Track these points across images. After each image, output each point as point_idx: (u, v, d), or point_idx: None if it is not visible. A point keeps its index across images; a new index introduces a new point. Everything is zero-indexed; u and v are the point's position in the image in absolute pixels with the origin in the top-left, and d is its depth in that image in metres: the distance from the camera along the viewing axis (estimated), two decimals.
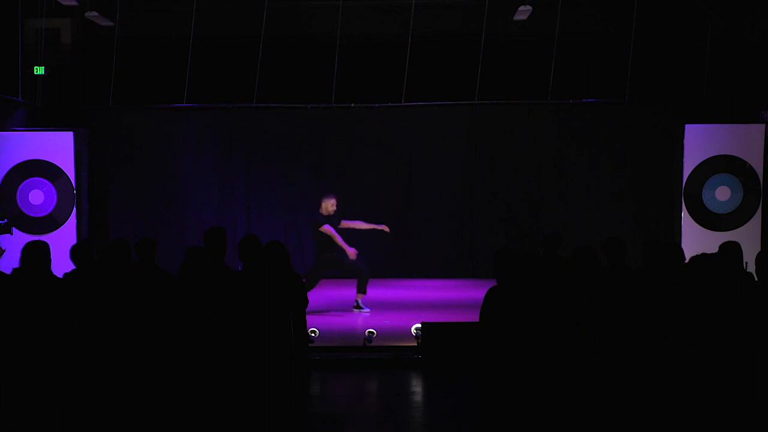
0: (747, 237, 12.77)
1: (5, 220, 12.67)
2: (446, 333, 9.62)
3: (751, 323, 5.81)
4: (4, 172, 13.35)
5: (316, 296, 11.95)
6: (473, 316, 6.61)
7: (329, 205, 12.05)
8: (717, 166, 13.21)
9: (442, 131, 15.44)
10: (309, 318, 7.31)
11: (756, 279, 6.34)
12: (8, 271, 6.62)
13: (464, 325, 9.55)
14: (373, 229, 12.30)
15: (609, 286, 6.34)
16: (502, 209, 15.50)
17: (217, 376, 6.32)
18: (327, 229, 11.85)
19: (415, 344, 9.85)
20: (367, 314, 12.05)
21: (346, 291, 13.28)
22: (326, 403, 8.61)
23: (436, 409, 8.35)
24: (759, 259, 6.18)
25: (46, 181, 13.37)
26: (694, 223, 13.22)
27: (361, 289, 12.18)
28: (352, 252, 11.84)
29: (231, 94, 15.23)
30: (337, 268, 12.05)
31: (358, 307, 12.19)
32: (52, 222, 13.35)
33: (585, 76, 15.24)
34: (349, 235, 12.23)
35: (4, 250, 12.62)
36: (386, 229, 12.25)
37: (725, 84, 14.77)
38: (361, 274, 12.14)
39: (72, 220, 13.39)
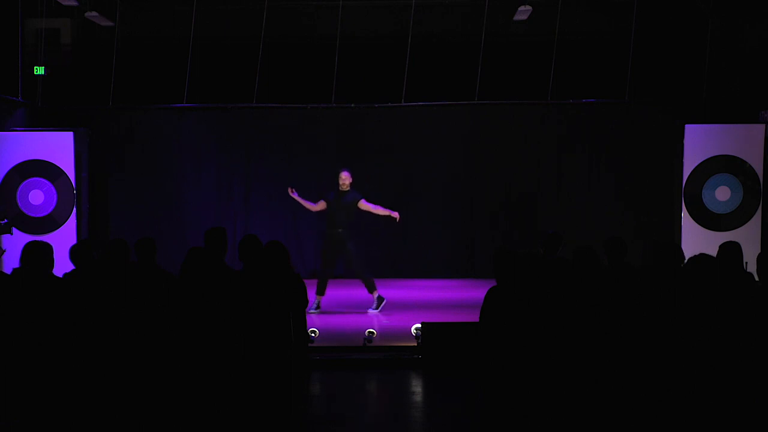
0: (747, 237, 12.78)
1: (5, 220, 12.67)
2: (446, 333, 9.62)
3: (752, 323, 5.81)
4: (4, 172, 13.35)
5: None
6: (473, 316, 6.61)
7: (339, 179, 12.06)
8: (717, 166, 13.22)
9: (442, 131, 15.44)
10: (309, 318, 7.32)
11: (757, 279, 6.34)
12: (8, 271, 6.62)
13: (464, 325, 9.54)
14: (388, 216, 12.25)
15: (609, 286, 6.34)
16: (502, 209, 15.50)
17: (217, 376, 6.31)
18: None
19: (415, 344, 9.85)
20: (367, 314, 12.05)
21: (347, 291, 13.30)
22: (326, 403, 8.61)
23: (436, 409, 8.34)
24: (761, 260, 6.19)
25: (46, 181, 13.37)
26: (694, 223, 13.22)
27: (372, 288, 12.14)
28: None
29: (231, 94, 15.24)
30: (341, 253, 12.05)
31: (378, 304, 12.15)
32: (52, 222, 13.35)
33: (585, 76, 15.24)
34: (354, 230, 12.33)
35: (5, 250, 12.62)
36: (397, 215, 12.20)
37: (725, 84, 14.78)
38: (362, 275, 12.14)
39: (72, 220, 13.39)
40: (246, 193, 15.52)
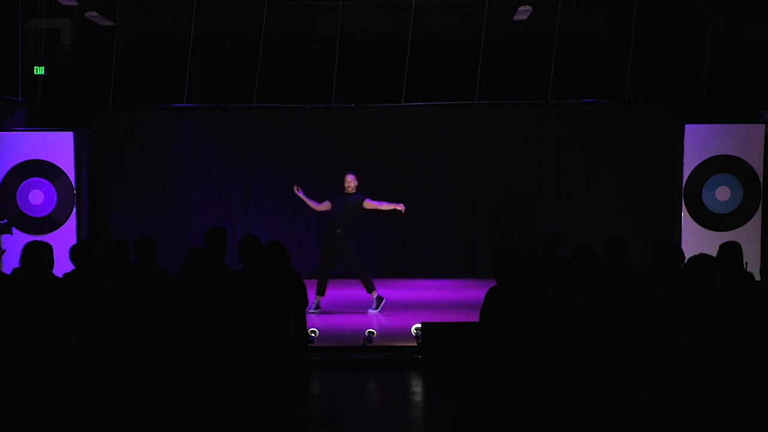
0: (747, 237, 12.78)
1: (5, 220, 12.67)
2: (446, 333, 9.62)
3: (752, 323, 5.81)
4: (4, 172, 13.35)
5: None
6: (473, 316, 6.61)
7: (345, 182, 12.10)
8: (717, 166, 13.22)
9: (442, 131, 15.44)
10: (309, 318, 7.31)
11: (758, 279, 6.34)
12: (8, 271, 6.61)
13: (464, 325, 9.54)
14: (393, 209, 12.25)
15: (609, 286, 6.34)
16: (502, 209, 15.50)
17: (217, 376, 6.31)
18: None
19: (415, 344, 9.85)
20: (367, 314, 12.04)
21: (347, 291, 13.30)
22: (326, 403, 8.61)
23: (436, 409, 8.34)
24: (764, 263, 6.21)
25: (46, 181, 13.37)
26: (694, 223, 13.23)
27: (370, 288, 12.14)
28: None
29: (231, 94, 15.24)
30: (341, 253, 12.06)
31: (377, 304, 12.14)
32: (52, 222, 13.35)
33: (585, 76, 15.24)
34: (355, 230, 12.31)
35: (5, 250, 12.62)
36: (402, 207, 12.19)
37: (725, 84, 14.78)
38: (362, 275, 12.13)
39: (72, 220, 13.40)
40: (246, 193, 15.52)
